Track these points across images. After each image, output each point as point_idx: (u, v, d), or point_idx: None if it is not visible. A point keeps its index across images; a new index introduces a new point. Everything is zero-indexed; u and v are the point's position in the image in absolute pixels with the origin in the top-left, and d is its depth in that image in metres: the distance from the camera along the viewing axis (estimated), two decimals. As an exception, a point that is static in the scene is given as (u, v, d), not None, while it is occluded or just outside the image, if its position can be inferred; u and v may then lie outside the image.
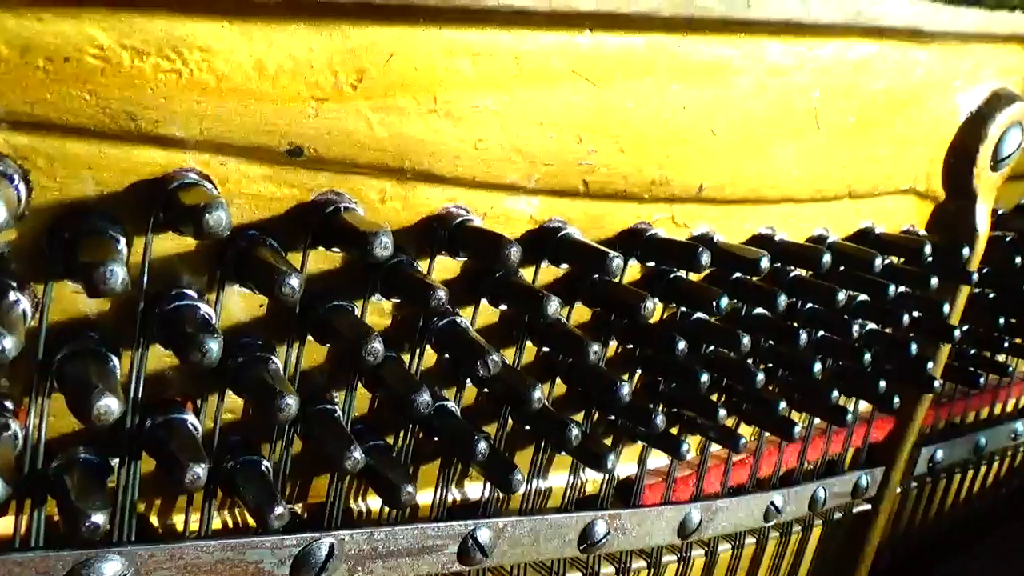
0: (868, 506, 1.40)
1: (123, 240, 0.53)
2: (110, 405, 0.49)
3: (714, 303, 0.82)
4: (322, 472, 0.75)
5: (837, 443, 1.30)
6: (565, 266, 0.79)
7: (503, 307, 0.76)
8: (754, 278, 0.93)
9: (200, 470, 0.54)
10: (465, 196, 0.71)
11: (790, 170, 0.95)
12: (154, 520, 0.68)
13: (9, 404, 0.55)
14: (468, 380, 0.78)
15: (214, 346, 0.52)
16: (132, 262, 0.54)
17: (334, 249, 0.63)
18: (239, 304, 0.63)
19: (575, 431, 0.78)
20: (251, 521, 0.74)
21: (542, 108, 0.71)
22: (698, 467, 1.09)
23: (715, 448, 1.10)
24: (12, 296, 0.50)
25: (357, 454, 0.61)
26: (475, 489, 0.89)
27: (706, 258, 0.79)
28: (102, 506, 0.52)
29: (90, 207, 0.53)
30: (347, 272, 0.67)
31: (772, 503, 1.18)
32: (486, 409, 0.82)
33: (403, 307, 0.71)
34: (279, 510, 0.59)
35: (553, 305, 0.68)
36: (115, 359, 0.57)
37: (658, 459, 1.07)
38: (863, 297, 1.05)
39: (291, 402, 0.57)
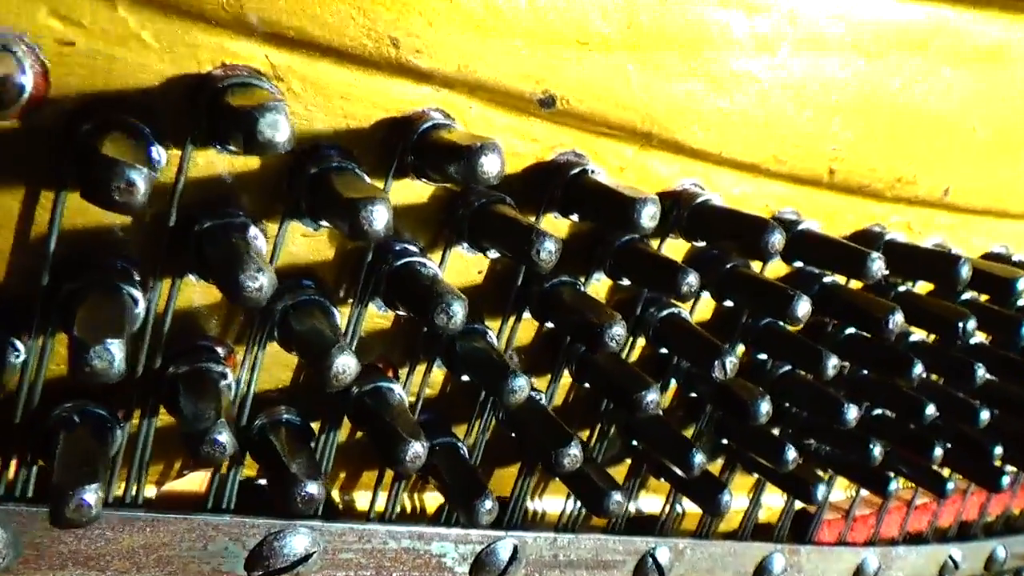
0: (1038, 572, 1.25)
1: (367, 180, 0.47)
2: (348, 364, 0.43)
3: (960, 326, 0.71)
4: (507, 464, 0.68)
5: (1021, 497, 1.15)
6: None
7: (728, 302, 0.67)
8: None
9: (421, 448, 0.48)
10: (704, 174, 0.62)
11: (1040, 183, 0.82)
12: (335, 494, 0.62)
13: (220, 351, 0.50)
14: (674, 380, 0.70)
15: (460, 310, 0.45)
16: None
17: (572, 216, 0.56)
18: (457, 269, 0.56)
19: (793, 454, 0.68)
20: (428, 508, 0.68)
21: (804, 80, 0.62)
22: (879, 508, 0.97)
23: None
24: (252, 231, 0.45)
25: (575, 451, 0.54)
26: (649, 502, 0.81)
27: (966, 272, 0.67)
28: (317, 475, 0.46)
29: (334, 142, 0.47)
30: (570, 244, 0.59)
31: (951, 557, 1.05)
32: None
33: (621, 291, 0.63)
34: (489, 504, 0.52)
35: (804, 306, 0.58)
36: (336, 313, 0.51)
37: (834, 492, 0.96)
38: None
39: (523, 383, 0.50)
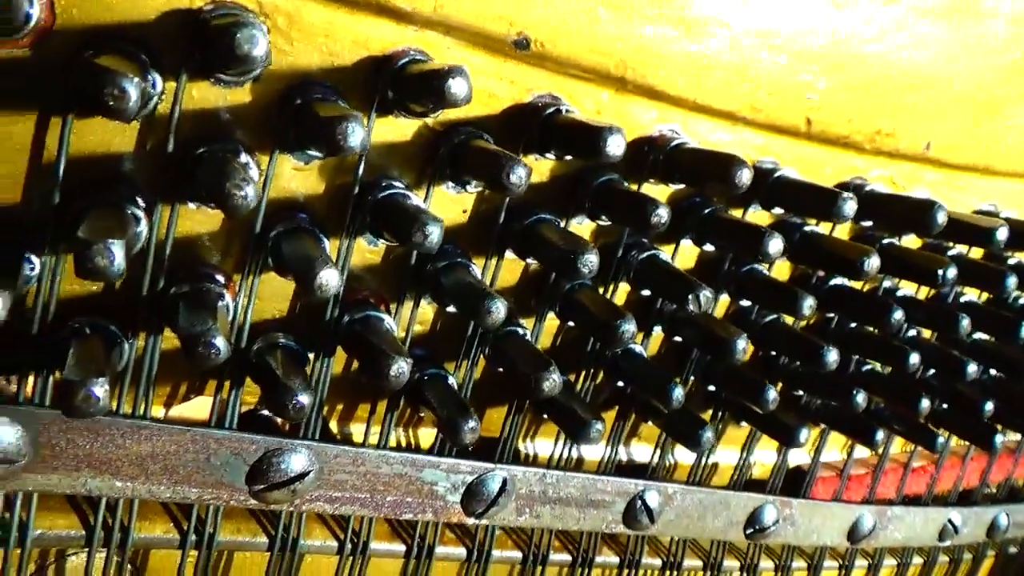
0: (1048, 545, 1.24)
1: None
2: (331, 277, 0.46)
3: (940, 273, 0.73)
4: (498, 404, 0.71)
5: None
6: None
7: (708, 247, 0.69)
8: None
9: (405, 365, 0.51)
10: (682, 121, 0.65)
11: (1026, 141, 0.84)
12: (333, 426, 0.66)
13: (221, 278, 0.54)
14: (659, 326, 0.72)
15: (435, 231, 0.48)
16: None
17: (548, 155, 0.59)
18: (443, 207, 0.60)
19: (773, 394, 0.70)
20: (423, 444, 0.71)
21: (776, 28, 0.64)
22: (875, 468, 0.98)
23: (893, 450, 0.99)
24: (243, 157, 0.49)
25: (556, 376, 0.57)
26: (642, 451, 0.84)
27: (942, 217, 0.69)
28: (308, 388, 0.50)
29: (320, 78, 0.51)
30: (552, 186, 0.62)
31: (950, 521, 1.06)
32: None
33: (604, 233, 0.66)
34: (472, 423, 0.56)
35: (776, 243, 0.61)
36: (327, 241, 0.54)
37: (831, 452, 0.98)
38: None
39: (500, 306, 0.53)
